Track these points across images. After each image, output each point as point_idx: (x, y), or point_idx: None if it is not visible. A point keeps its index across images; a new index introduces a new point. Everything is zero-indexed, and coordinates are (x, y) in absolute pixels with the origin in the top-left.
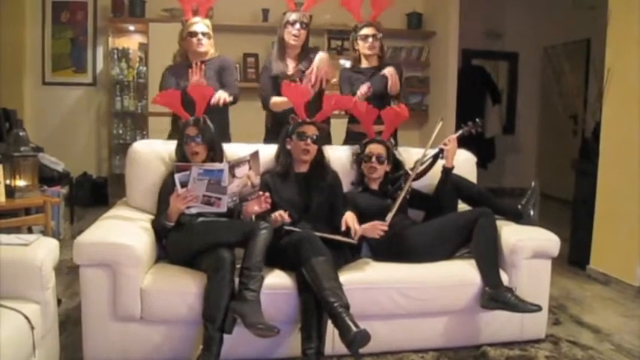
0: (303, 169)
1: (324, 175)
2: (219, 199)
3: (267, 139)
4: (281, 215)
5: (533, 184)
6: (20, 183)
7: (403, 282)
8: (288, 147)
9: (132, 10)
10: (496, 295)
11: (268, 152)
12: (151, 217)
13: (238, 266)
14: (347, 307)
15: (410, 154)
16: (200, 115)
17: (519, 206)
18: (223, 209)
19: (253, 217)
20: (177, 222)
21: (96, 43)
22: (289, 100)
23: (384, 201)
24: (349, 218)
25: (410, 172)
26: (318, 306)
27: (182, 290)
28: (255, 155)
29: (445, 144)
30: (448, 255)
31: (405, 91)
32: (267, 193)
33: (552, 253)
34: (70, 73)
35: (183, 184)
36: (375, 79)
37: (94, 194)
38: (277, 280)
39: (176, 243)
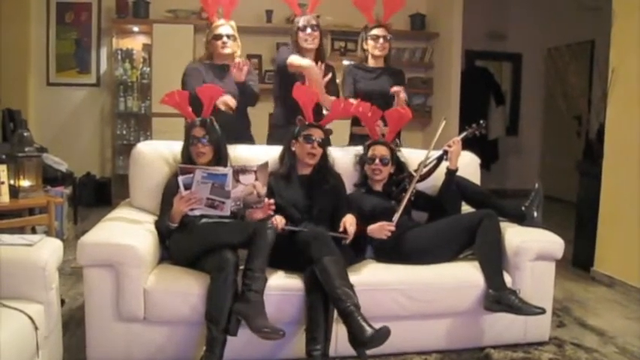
0: (307, 171)
1: (328, 177)
2: (223, 202)
3: (271, 140)
4: (277, 221)
5: (536, 185)
6: (24, 183)
7: (406, 284)
8: (293, 149)
9: (136, 11)
10: (500, 297)
11: (272, 154)
12: (155, 217)
13: (242, 267)
14: (358, 307)
15: (414, 155)
16: (207, 116)
17: (523, 208)
18: (227, 213)
19: None
20: (181, 223)
21: (100, 43)
22: (299, 101)
23: (389, 202)
24: (348, 221)
25: (414, 174)
26: (326, 307)
27: (185, 291)
28: (263, 167)
29: (449, 145)
30: (452, 257)
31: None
32: (272, 200)
33: (556, 255)
34: (74, 74)
35: (187, 187)
36: (383, 80)
37: (98, 195)
38: (281, 282)
39: (179, 244)
